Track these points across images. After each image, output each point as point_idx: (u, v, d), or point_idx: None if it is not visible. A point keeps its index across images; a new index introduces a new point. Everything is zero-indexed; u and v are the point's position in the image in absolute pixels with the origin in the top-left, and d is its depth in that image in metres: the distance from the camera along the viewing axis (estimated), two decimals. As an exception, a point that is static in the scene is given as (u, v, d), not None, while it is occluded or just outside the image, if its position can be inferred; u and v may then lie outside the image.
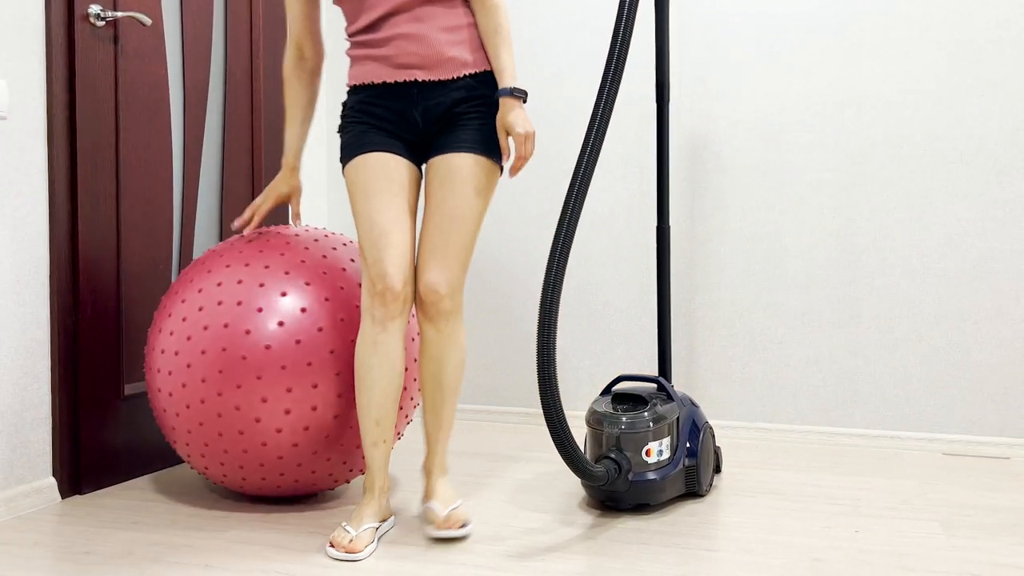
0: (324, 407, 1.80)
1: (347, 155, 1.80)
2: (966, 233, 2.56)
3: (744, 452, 2.54)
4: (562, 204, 1.74)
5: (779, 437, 2.70)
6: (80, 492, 2.08)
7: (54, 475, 2.02)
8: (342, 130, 1.83)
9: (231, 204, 2.58)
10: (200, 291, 1.83)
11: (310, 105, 1.93)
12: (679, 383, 2.81)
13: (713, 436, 2.16)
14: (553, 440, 1.68)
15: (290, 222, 1.90)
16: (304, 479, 1.87)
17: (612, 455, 1.89)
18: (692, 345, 2.80)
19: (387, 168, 1.75)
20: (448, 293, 1.75)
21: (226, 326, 1.77)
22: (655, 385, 2.09)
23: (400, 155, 1.77)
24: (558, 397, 1.67)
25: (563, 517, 1.91)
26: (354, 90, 1.81)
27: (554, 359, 1.66)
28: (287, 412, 1.76)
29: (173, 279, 2.39)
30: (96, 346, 2.12)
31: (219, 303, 1.79)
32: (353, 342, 1.82)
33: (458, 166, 1.75)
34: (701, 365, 2.80)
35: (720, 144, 2.77)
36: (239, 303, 1.78)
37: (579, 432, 2.72)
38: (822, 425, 2.69)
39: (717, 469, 2.27)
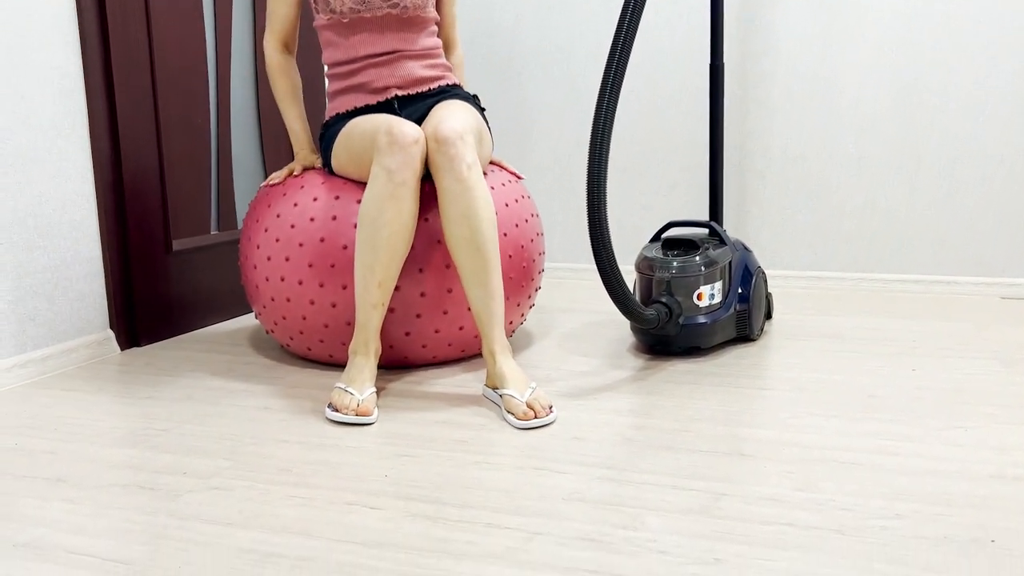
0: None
1: (338, 132, 1.85)
2: (1040, 66, 2.41)
3: (796, 300, 2.50)
4: (610, 46, 1.64)
5: (831, 285, 2.65)
6: (138, 344, 2.13)
7: (112, 328, 2.07)
8: (323, 137, 1.91)
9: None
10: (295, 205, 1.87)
11: (298, 88, 1.97)
12: (729, 233, 2.75)
13: (765, 281, 2.12)
14: (603, 281, 1.65)
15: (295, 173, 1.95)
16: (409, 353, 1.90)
17: (663, 299, 1.86)
18: (743, 194, 2.72)
19: (383, 115, 1.80)
20: (462, 134, 1.66)
21: (322, 240, 1.80)
22: (706, 230, 2.03)
23: None
24: (608, 238, 1.62)
25: (613, 361, 1.91)
26: (335, 119, 1.89)
27: (604, 200, 1.61)
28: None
29: (212, 134, 2.35)
30: (140, 200, 2.11)
31: (311, 219, 1.81)
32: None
33: (448, 101, 1.84)
34: (752, 214, 2.73)
35: (776, -22, 2.60)
36: (333, 217, 1.81)
37: (630, 283, 2.70)
38: (876, 272, 2.63)
39: (768, 315, 2.25)
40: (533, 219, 1.97)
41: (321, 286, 1.78)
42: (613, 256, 1.63)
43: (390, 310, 1.77)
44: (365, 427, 1.51)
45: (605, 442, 1.41)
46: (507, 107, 2.94)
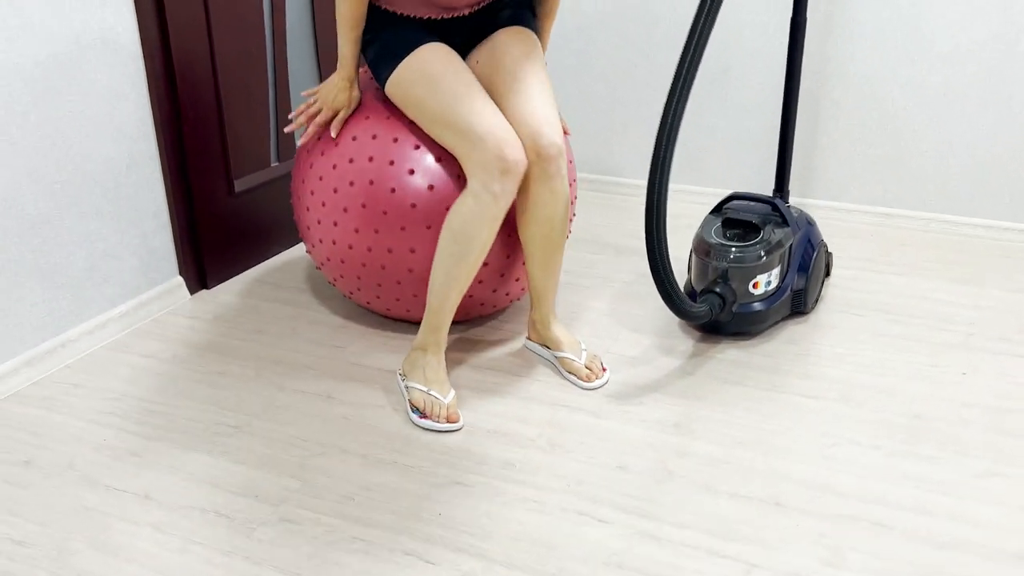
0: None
1: (397, 55, 1.67)
2: None
3: (858, 243, 2.45)
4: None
5: (899, 223, 2.58)
6: (206, 286, 2.22)
7: (181, 274, 2.15)
8: (377, 38, 1.70)
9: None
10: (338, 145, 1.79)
11: (364, 16, 1.71)
12: (797, 159, 2.66)
13: (828, 252, 2.09)
14: (655, 282, 1.64)
15: (331, 131, 1.77)
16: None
17: (717, 289, 1.86)
18: (815, 121, 2.60)
19: (447, 52, 1.68)
20: (561, 148, 1.64)
21: (371, 183, 1.75)
22: (769, 207, 1.98)
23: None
24: (664, 240, 1.61)
25: (663, 341, 1.94)
26: (391, 17, 1.70)
27: (664, 202, 1.58)
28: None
29: (268, 65, 2.31)
30: (202, 150, 2.12)
31: (370, 159, 1.75)
32: None
33: (504, 38, 1.72)
34: (822, 143, 2.62)
35: None
36: (391, 162, 1.73)
37: (680, 208, 2.65)
38: (947, 213, 2.54)
39: (826, 273, 2.22)
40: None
41: (376, 231, 1.77)
42: (667, 258, 1.61)
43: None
44: (426, 439, 1.60)
45: (647, 475, 1.49)
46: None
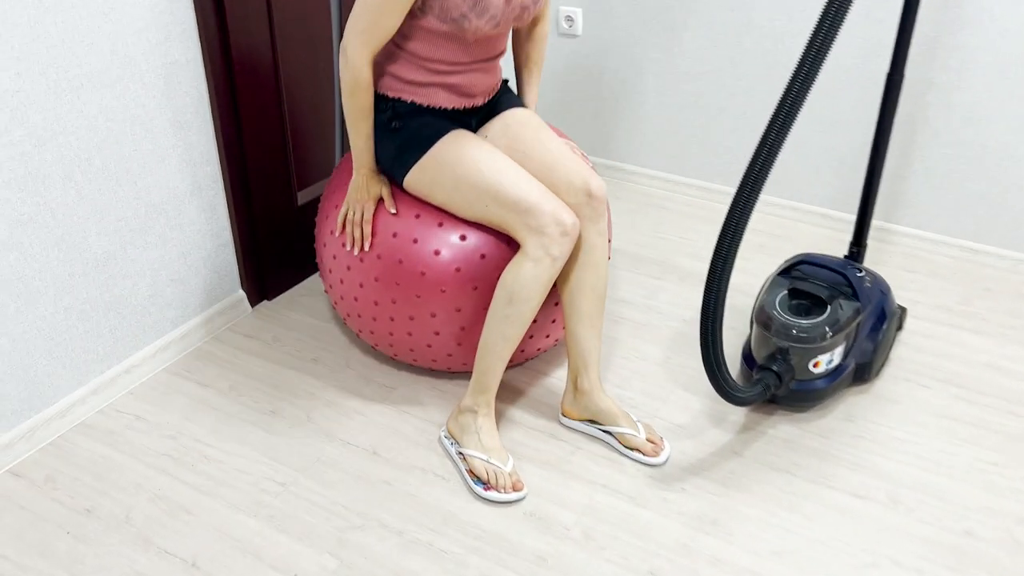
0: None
1: (422, 145, 1.68)
2: None
3: (939, 284, 2.33)
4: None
5: (986, 261, 2.43)
6: (267, 297, 2.25)
7: (242, 288, 2.19)
8: (396, 133, 1.70)
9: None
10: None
11: (373, 106, 1.68)
12: (886, 182, 2.50)
13: (902, 317, 1.99)
14: (705, 368, 1.60)
15: (389, 210, 1.74)
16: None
17: (775, 367, 1.80)
18: (910, 146, 2.43)
19: (472, 135, 1.71)
20: (603, 187, 1.70)
21: (400, 262, 1.73)
22: (841, 276, 1.88)
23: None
24: (719, 329, 1.56)
25: (714, 406, 1.90)
26: (412, 107, 1.70)
27: (726, 287, 1.52)
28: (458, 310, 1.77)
29: (336, 84, 2.26)
30: (266, 168, 2.12)
31: (394, 234, 1.73)
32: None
33: (515, 115, 1.79)
34: (915, 169, 2.45)
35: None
36: (394, 234, 1.73)
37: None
38: (1041, 257, 2.38)
39: (899, 327, 2.13)
40: None
41: (393, 302, 1.77)
42: (719, 342, 1.56)
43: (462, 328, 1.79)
44: (463, 517, 1.63)
45: (677, 586, 1.49)
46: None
